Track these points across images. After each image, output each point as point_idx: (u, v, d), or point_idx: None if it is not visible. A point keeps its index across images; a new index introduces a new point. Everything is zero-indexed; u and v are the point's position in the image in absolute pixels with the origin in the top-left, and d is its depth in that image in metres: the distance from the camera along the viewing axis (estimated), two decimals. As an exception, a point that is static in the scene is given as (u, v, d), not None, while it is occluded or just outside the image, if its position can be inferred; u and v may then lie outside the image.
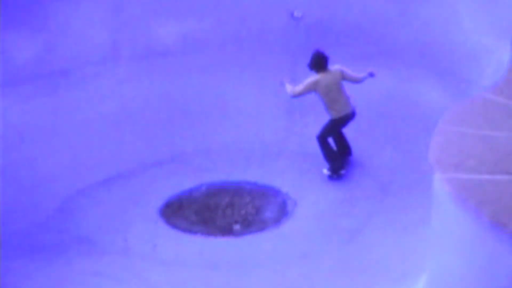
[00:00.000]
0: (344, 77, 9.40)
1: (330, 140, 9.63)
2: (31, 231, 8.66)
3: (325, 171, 9.59)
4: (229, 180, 9.58)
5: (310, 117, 10.13)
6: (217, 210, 9.21)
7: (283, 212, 9.08)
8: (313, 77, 9.36)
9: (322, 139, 9.50)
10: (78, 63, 10.39)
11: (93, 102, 10.24)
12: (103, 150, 9.84)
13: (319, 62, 9.33)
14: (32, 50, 10.16)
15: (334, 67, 9.41)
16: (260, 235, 8.78)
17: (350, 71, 9.45)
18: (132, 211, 9.14)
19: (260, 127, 10.23)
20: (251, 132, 10.16)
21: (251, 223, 9.00)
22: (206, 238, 8.82)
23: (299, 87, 9.37)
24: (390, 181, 9.20)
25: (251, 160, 9.84)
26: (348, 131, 9.76)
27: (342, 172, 9.57)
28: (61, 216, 9.09)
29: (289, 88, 9.45)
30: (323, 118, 9.82)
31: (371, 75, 9.50)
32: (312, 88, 9.34)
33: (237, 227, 8.97)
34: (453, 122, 5.70)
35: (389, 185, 9.14)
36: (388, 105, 10.09)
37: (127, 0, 10.61)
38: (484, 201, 4.66)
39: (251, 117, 10.31)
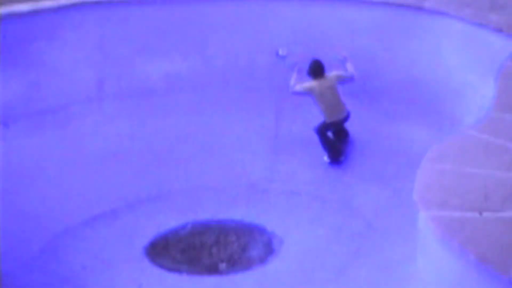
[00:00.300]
0: (339, 79, 10.02)
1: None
2: (15, 271, 8.54)
3: (325, 159, 10.04)
4: (215, 219, 9.53)
5: (295, 155, 10.15)
6: (202, 249, 9.15)
7: (269, 250, 9.03)
8: (310, 82, 10.02)
9: (319, 132, 10.00)
10: (64, 102, 10.38)
11: (78, 140, 10.20)
12: (88, 189, 9.78)
13: (315, 70, 10.03)
14: (17, 89, 10.13)
15: (331, 73, 10.03)
16: (246, 273, 8.71)
17: (343, 72, 10.07)
18: (117, 250, 9.06)
19: (245, 165, 10.22)
20: (236, 171, 10.15)
21: (237, 262, 8.94)
22: (191, 277, 8.74)
23: (298, 87, 10.05)
24: (375, 218, 9.18)
25: (237, 199, 9.81)
26: (334, 168, 9.82)
27: (341, 158, 10.02)
28: (45, 256, 8.99)
29: (292, 82, 10.09)
30: (309, 156, 9.87)
31: (344, 59, 10.09)
32: (307, 91, 9.99)
33: (223, 266, 8.91)
34: (437, 160, 5.72)
35: (375, 222, 9.12)
36: (373, 142, 10.12)
37: (112, 39, 10.63)
38: (469, 239, 4.66)
39: (236, 156, 10.30)
